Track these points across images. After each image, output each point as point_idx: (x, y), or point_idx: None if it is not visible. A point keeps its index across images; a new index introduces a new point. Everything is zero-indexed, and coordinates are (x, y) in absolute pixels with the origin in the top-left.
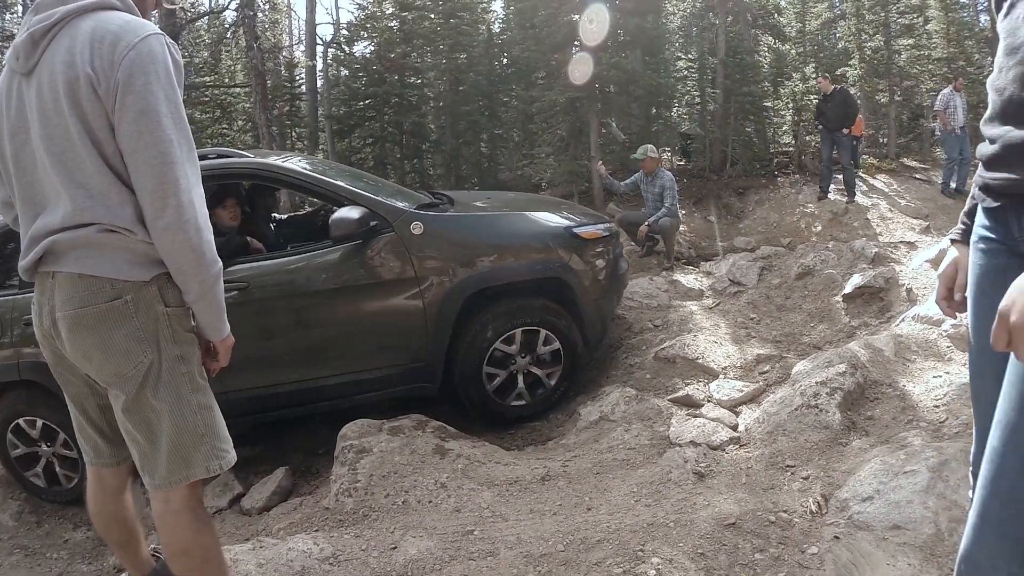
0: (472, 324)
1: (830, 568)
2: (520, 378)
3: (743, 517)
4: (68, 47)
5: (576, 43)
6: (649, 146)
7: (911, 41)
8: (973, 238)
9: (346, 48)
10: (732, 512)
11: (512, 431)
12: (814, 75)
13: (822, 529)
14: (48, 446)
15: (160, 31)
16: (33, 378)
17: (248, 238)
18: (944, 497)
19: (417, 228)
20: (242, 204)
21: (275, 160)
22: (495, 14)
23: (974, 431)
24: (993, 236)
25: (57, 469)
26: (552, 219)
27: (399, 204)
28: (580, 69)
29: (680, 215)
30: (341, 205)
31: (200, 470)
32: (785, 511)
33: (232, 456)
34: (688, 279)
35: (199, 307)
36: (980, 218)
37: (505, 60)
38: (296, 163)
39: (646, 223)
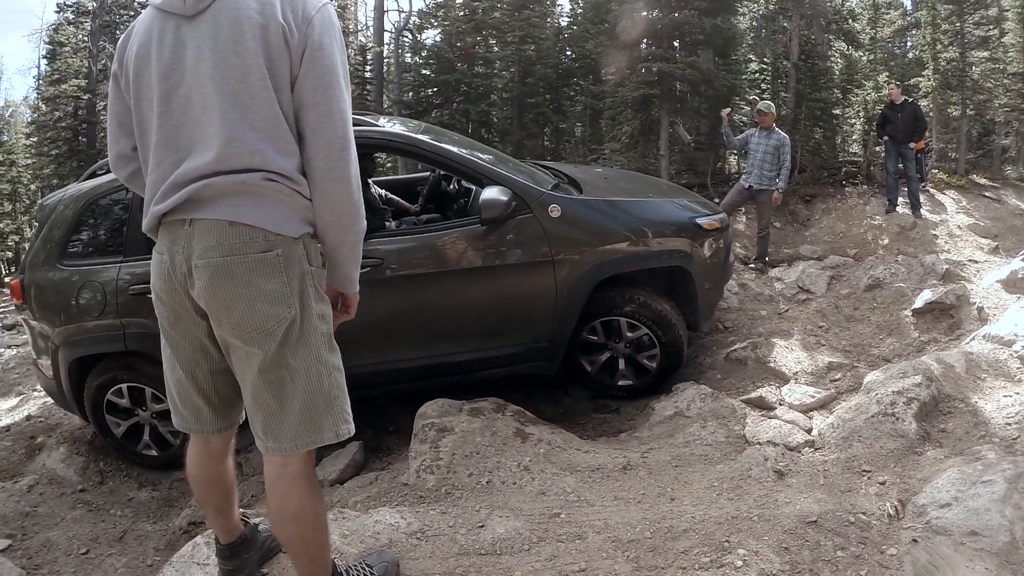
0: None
1: (909, 569)
2: (605, 356)
3: (823, 516)
4: None
5: (648, 41)
6: (771, 102)
7: (986, 54)
8: None
9: (417, 35)
10: (813, 511)
11: (583, 422)
12: (886, 82)
13: (900, 532)
14: (144, 411)
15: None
16: (139, 348)
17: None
18: (1020, 507)
19: (555, 211)
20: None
21: (415, 134)
22: (561, 7)
23: None
24: None
25: (145, 436)
26: (677, 208)
27: (535, 185)
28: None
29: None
30: (480, 184)
31: (329, 434)
32: (863, 513)
33: (353, 425)
34: (758, 284)
35: (348, 257)
36: None
37: (570, 54)
38: (428, 134)
39: (777, 189)
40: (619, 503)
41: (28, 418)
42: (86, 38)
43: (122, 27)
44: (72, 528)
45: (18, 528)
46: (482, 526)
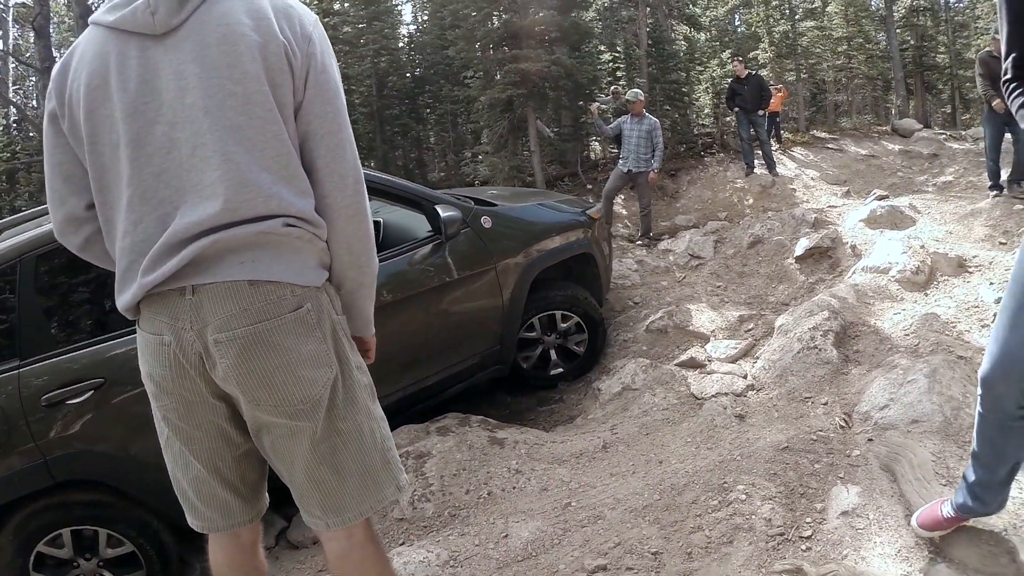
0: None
1: (874, 461)
2: (538, 350)
3: (791, 441)
4: (246, 10)
5: (509, 42)
6: (638, 90)
7: (813, 23)
8: None
9: None
10: (781, 439)
11: (532, 417)
12: (731, 59)
13: (855, 437)
14: (90, 558)
15: None
16: (73, 476)
17: None
18: (942, 394)
19: (487, 222)
20: None
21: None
22: (404, 18)
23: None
24: None
25: None
26: (567, 206)
27: (463, 203)
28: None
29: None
30: (421, 208)
31: (391, 490)
32: (821, 431)
33: (404, 472)
34: (652, 258)
35: (367, 299)
36: None
37: (419, 60)
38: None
39: (652, 169)
40: (616, 478)
41: None
42: None
43: None
44: None
45: None
46: (506, 535)
